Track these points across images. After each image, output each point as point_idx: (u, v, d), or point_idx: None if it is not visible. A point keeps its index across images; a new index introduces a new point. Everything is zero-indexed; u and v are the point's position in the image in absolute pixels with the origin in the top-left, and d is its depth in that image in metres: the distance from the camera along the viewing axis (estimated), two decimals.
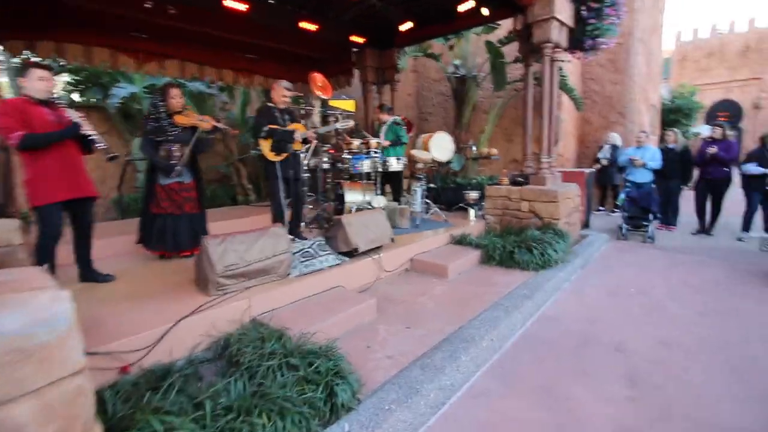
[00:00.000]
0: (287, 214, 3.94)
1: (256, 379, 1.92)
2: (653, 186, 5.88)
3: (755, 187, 5.18)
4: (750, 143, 19.95)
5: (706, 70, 22.57)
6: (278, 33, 5.64)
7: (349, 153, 5.08)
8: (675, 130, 6.17)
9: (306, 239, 4.02)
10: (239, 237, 2.96)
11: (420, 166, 5.30)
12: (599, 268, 4.37)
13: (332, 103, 7.30)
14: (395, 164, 5.12)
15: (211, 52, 5.85)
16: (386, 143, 5.29)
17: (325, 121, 5.97)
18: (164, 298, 2.76)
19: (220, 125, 3.77)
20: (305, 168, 4.13)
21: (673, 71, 23.02)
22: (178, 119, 3.58)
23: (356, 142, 5.14)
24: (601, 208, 8.08)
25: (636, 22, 8.06)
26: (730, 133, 5.52)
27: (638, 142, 6.08)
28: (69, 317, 1.28)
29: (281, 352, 2.10)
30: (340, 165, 5.30)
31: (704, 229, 5.81)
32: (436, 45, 7.51)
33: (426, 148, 5.68)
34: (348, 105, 7.16)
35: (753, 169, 5.15)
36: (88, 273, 2.98)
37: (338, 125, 4.40)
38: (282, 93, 3.86)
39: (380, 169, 5.10)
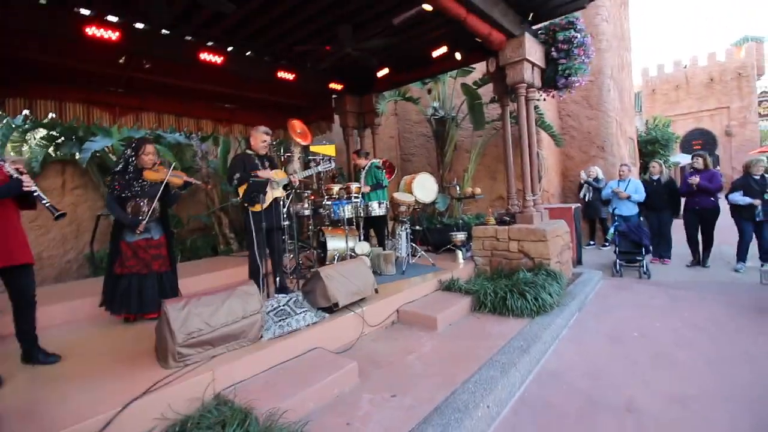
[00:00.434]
0: (266, 265, 3.70)
1: None
2: (641, 219, 5.83)
3: (746, 217, 5.10)
4: (727, 169, 20.61)
5: (676, 102, 23.77)
6: (257, 83, 5.66)
7: (329, 198, 4.92)
8: (659, 161, 6.18)
9: (290, 289, 3.76)
10: (205, 299, 2.69)
11: (403, 209, 5.15)
12: (597, 310, 4.13)
13: (313, 148, 7.27)
14: (377, 209, 4.96)
15: (189, 104, 5.80)
16: (367, 189, 5.15)
17: (306, 166, 5.87)
18: (119, 374, 2.44)
19: (192, 180, 3.60)
20: (284, 216, 3.94)
21: (645, 104, 24.15)
22: (148, 174, 3.42)
23: (336, 188, 5.01)
24: (591, 242, 7.97)
25: (605, 60, 8.42)
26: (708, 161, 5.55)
27: (621, 175, 6.11)
28: None
29: None
30: (321, 211, 5.13)
31: (699, 261, 5.68)
32: (414, 88, 7.66)
33: (409, 190, 5.57)
34: (329, 150, 7.13)
35: (739, 198, 5.11)
36: (31, 351, 2.63)
37: (320, 168, 4.26)
38: (261, 139, 3.75)
39: (362, 215, 4.94)
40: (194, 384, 2.33)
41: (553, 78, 4.93)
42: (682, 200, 5.83)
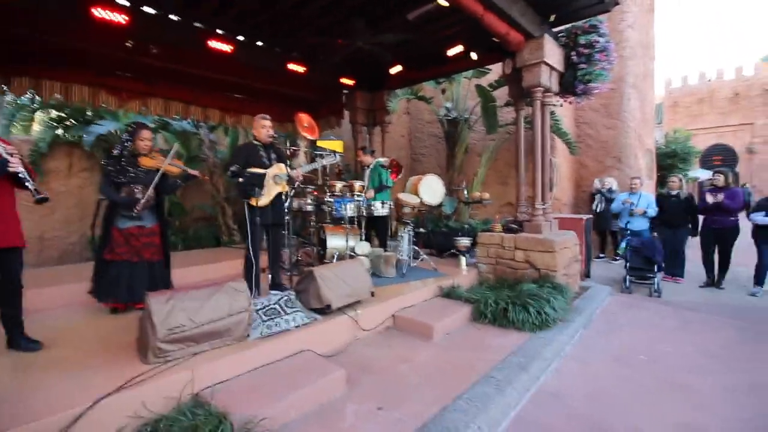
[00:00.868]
0: (263, 260, 3.59)
1: None
2: (654, 234, 5.59)
3: (766, 238, 4.85)
4: None
5: (698, 116, 23.09)
6: (266, 74, 5.56)
7: (331, 195, 4.80)
8: (679, 176, 5.90)
9: (285, 287, 3.64)
10: (191, 293, 2.59)
11: (407, 210, 5.00)
12: (603, 328, 3.93)
13: (320, 143, 7.15)
14: (380, 209, 4.81)
15: (196, 92, 5.72)
16: (371, 194, 4.96)
17: (312, 161, 5.75)
18: (98, 366, 2.35)
19: (190, 172, 3.49)
20: (287, 211, 3.82)
21: (666, 116, 23.53)
22: (144, 161, 3.32)
23: (339, 185, 4.88)
24: (601, 255, 7.71)
25: (628, 68, 8.11)
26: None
27: (632, 189, 5.90)
28: None
29: None
30: (324, 207, 5.01)
31: (713, 282, 5.41)
32: (428, 88, 7.49)
33: (415, 191, 5.42)
34: (336, 145, 7.00)
35: (761, 219, 4.84)
36: (14, 338, 2.56)
37: (325, 161, 4.12)
38: (261, 125, 3.60)
39: (364, 214, 4.80)
40: (172, 382, 2.24)
41: (571, 83, 4.72)
42: (700, 218, 5.57)
